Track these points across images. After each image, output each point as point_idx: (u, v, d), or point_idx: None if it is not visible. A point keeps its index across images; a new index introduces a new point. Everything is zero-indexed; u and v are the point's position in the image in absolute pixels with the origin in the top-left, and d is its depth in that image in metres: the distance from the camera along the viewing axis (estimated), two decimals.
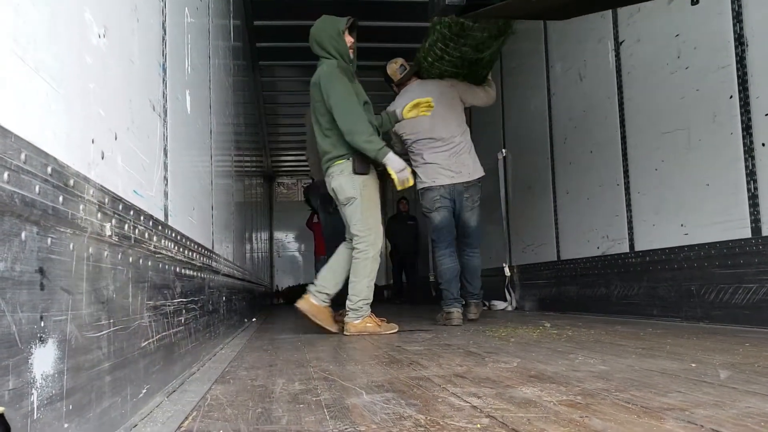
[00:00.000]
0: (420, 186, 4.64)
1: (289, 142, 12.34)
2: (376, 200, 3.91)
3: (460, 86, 4.79)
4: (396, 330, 3.82)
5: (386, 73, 4.90)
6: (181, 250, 2.05)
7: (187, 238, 2.20)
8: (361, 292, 3.79)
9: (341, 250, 4.02)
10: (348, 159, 3.81)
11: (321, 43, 3.97)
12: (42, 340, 0.93)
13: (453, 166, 4.57)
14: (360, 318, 3.77)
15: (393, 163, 3.72)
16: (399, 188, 3.78)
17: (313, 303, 3.87)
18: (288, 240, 15.28)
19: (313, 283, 4.00)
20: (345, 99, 3.76)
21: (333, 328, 3.85)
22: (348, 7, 6.37)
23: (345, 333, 3.75)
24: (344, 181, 3.82)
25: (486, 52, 4.59)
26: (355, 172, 3.80)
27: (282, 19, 6.71)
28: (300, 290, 14.12)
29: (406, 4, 6.40)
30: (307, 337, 3.65)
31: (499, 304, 6.66)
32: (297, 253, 15.23)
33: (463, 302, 4.56)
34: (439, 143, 4.59)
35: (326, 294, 3.89)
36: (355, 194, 3.81)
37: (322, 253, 7.26)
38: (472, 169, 4.64)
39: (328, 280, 3.94)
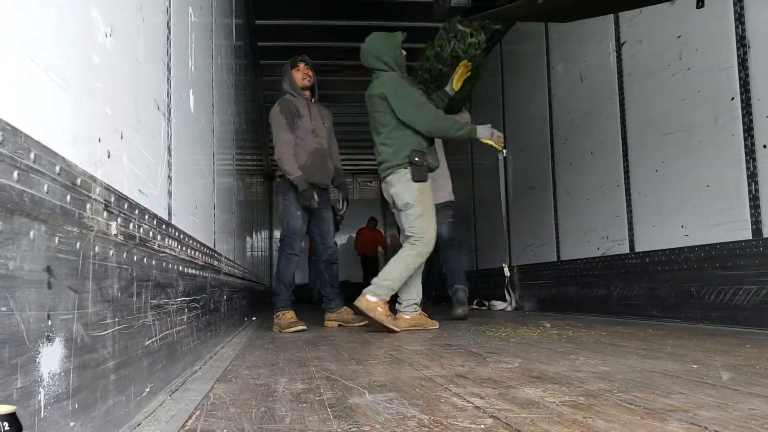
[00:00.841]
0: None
1: None
2: (431, 206, 4.11)
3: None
4: (398, 331, 3.82)
5: None
6: (184, 249, 2.05)
7: (190, 237, 2.21)
8: (392, 274, 3.94)
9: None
10: (406, 168, 4.02)
11: (380, 57, 4.17)
12: (49, 339, 0.94)
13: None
14: (377, 298, 3.85)
15: (484, 133, 4.12)
16: (499, 148, 4.22)
17: (370, 300, 3.97)
18: None
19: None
20: (421, 103, 4.05)
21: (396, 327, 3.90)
22: (349, 8, 6.40)
23: (355, 303, 3.92)
24: (402, 189, 4.03)
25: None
26: (414, 180, 4.02)
27: (283, 18, 6.71)
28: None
29: (410, 4, 6.39)
30: (307, 336, 3.66)
31: (499, 305, 6.67)
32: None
33: None
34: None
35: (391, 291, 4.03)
36: (412, 201, 4.01)
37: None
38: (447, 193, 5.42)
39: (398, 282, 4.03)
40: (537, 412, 1.36)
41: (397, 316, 4.10)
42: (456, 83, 4.38)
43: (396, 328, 3.83)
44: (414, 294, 4.15)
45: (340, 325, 4.46)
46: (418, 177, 4.02)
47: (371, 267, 12.40)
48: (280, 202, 4.55)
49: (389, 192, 4.16)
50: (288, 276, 4.45)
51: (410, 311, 4.11)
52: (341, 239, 13.63)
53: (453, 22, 4.30)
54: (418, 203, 4.00)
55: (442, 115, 4.12)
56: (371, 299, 3.86)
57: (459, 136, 4.12)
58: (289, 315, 4.26)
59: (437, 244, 4.75)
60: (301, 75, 4.59)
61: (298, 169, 4.33)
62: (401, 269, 3.97)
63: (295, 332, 4.06)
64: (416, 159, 4.00)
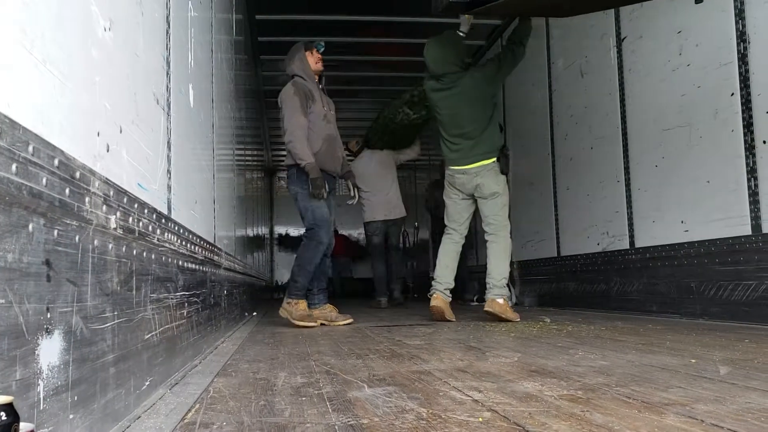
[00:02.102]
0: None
1: None
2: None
3: (393, 154, 7.29)
4: (518, 319, 4.08)
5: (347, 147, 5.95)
6: (183, 243, 2.06)
7: (190, 232, 2.21)
8: (505, 271, 4.26)
9: (449, 246, 4.53)
10: (497, 158, 4.33)
11: (460, 55, 4.44)
12: (48, 332, 0.94)
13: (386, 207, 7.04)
14: (502, 297, 4.13)
15: None
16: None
17: (445, 300, 4.33)
18: (289, 234, 15.27)
19: (433, 282, 4.42)
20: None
21: (453, 317, 4.31)
22: (350, 3, 6.39)
23: (487, 309, 4.12)
24: (492, 179, 4.30)
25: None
26: (502, 172, 4.35)
27: (284, 13, 6.71)
28: None
29: (410, 0, 6.38)
30: (308, 332, 3.67)
31: None
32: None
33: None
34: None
35: (450, 288, 4.41)
36: (500, 190, 4.32)
37: (340, 251, 8.15)
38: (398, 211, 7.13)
39: (448, 276, 4.43)
40: (535, 405, 1.36)
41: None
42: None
43: (517, 318, 4.11)
44: (452, 280, 4.49)
45: (322, 324, 4.14)
46: (506, 169, 4.40)
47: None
48: (297, 191, 4.21)
49: (476, 182, 4.34)
50: (313, 265, 4.15)
51: (448, 296, 4.41)
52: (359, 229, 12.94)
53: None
54: (505, 193, 4.36)
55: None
56: (501, 302, 4.11)
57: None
58: (303, 306, 4.08)
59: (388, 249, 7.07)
60: (315, 59, 4.39)
61: (311, 155, 4.12)
62: (507, 261, 4.31)
63: (305, 327, 3.94)
64: (507, 152, 4.38)
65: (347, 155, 5.35)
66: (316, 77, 4.42)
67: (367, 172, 6.99)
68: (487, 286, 4.19)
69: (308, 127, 4.19)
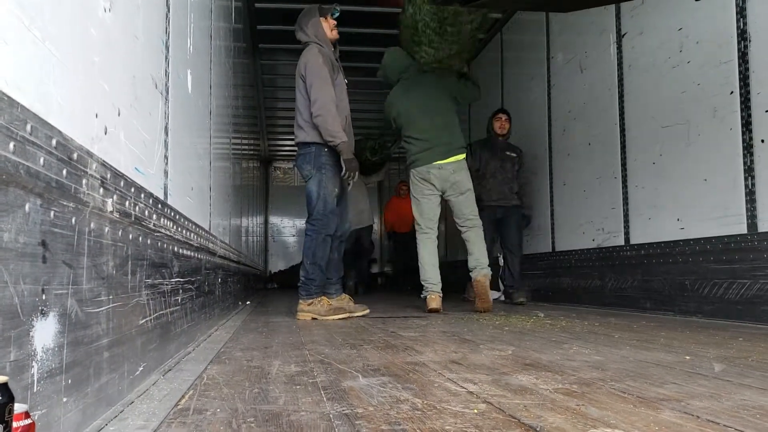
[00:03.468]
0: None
1: (287, 126, 12.26)
2: None
3: (362, 177, 7.30)
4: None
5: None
6: (179, 229, 2.05)
7: (186, 218, 2.20)
8: (486, 256, 4.58)
9: (431, 246, 4.59)
10: (464, 154, 4.56)
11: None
12: (43, 313, 0.93)
13: None
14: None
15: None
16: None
17: (440, 300, 4.40)
18: (283, 225, 15.25)
19: (426, 284, 4.47)
20: None
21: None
22: None
23: (479, 279, 4.38)
24: (465, 176, 4.52)
25: None
26: (469, 166, 4.61)
27: (283, 2, 6.67)
28: (290, 273, 13.84)
29: None
30: (302, 321, 3.66)
31: (493, 294, 6.66)
32: (292, 238, 15.21)
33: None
34: None
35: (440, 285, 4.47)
36: (471, 186, 4.58)
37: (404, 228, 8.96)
38: (366, 219, 8.07)
39: (437, 275, 4.50)
40: (530, 398, 1.36)
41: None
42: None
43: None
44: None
45: (313, 318, 3.88)
46: (471, 163, 4.64)
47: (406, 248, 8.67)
48: (312, 174, 3.87)
49: (452, 179, 4.46)
50: (325, 259, 3.92)
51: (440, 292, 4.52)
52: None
53: None
54: (473, 189, 4.60)
55: None
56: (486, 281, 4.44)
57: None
58: (326, 301, 3.87)
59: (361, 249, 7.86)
60: (330, 26, 4.02)
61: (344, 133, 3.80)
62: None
63: (341, 320, 3.81)
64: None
65: None
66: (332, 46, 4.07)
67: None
68: (479, 266, 4.47)
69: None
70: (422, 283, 4.51)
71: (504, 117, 5.93)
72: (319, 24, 3.97)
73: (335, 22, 4.04)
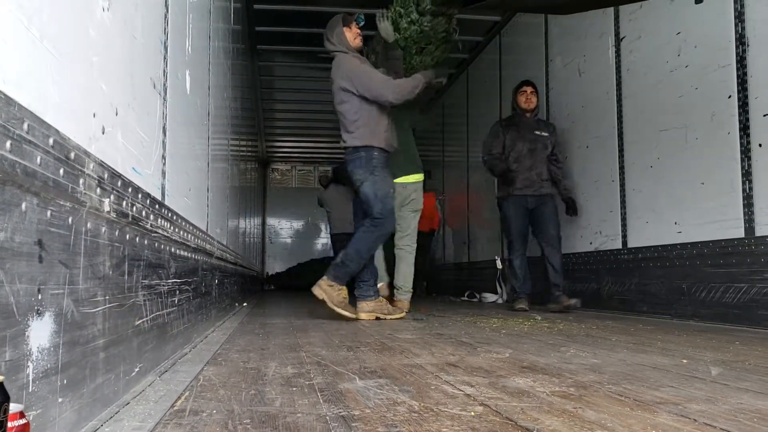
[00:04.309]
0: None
1: (285, 128, 12.29)
2: None
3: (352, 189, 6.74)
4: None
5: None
6: (176, 230, 2.04)
7: (183, 219, 2.19)
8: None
9: (379, 251, 4.68)
10: (422, 175, 4.75)
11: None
12: (39, 313, 0.93)
13: None
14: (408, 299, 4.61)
15: None
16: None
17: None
18: (281, 226, 15.24)
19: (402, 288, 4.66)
20: None
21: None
22: None
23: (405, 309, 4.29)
24: (420, 195, 4.68)
25: None
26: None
27: (282, 3, 6.67)
28: (288, 275, 13.80)
29: None
30: (298, 323, 3.65)
31: (490, 297, 6.68)
32: (289, 240, 15.20)
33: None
34: None
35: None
36: (422, 207, 4.76)
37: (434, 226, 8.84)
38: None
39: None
40: (527, 401, 1.36)
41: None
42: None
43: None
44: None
45: (377, 318, 3.89)
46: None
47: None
48: (366, 178, 3.90)
49: (410, 195, 4.60)
50: (370, 254, 3.97)
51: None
52: None
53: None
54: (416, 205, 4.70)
55: None
56: (406, 302, 4.56)
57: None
58: (345, 293, 3.86)
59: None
60: (354, 34, 4.07)
61: (383, 141, 3.90)
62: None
63: (398, 319, 3.85)
64: None
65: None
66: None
67: (334, 198, 8.43)
68: (399, 289, 4.59)
69: (378, 105, 3.94)
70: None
71: (529, 89, 5.14)
72: (343, 34, 4.03)
73: (359, 30, 4.09)
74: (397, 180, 4.51)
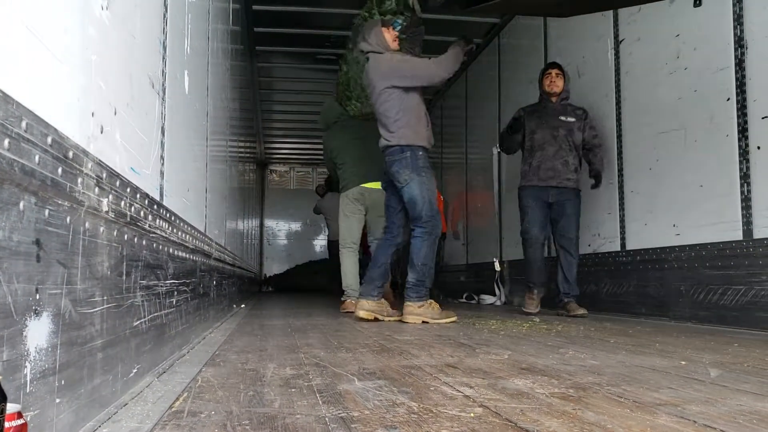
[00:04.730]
0: None
1: (284, 129, 12.28)
2: None
3: None
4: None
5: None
6: (174, 231, 2.03)
7: (181, 220, 2.19)
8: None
9: (354, 258, 5.35)
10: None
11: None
12: (37, 313, 0.92)
13: None
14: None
15: None
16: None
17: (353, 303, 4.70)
18: (279, 228, 15.23)
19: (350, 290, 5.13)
20: None
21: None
22: None
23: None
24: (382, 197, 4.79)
25: None
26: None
27: (281, 4, 6.67)
28: (285, 277, 13.78)
29: None
30: (297, 324, 3.65)
31: (489, 299, 6.68)
32: (287, 241, 15.18)
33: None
34: None
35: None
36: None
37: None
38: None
39: (357, 283, 5.02)
40: (527, 402, 1.36)
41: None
42: None
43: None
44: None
45: (424, 322, 3.79)
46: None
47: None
48: (413, 178, 3.85)
49: (377, 200, 4.87)
50: (434, 260, 3.99)
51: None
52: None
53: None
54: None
55: None
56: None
57: None
58: (436, 304, 3.88)
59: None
60: (392, 36, 4.06)
61: (425, 139, 3.92)
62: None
63: (450, 323, 3.77)
64: None
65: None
66: None
67: (333, 206, 8.59)
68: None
69: (417, 104, 3.98)
70: (344, 288, 5.23)
71: (554, 72, 4.74)
72: (382, 34, 4.03)
73: (397, 34, 4.10)
74: (370, 185, 5.09)
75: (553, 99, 4.70)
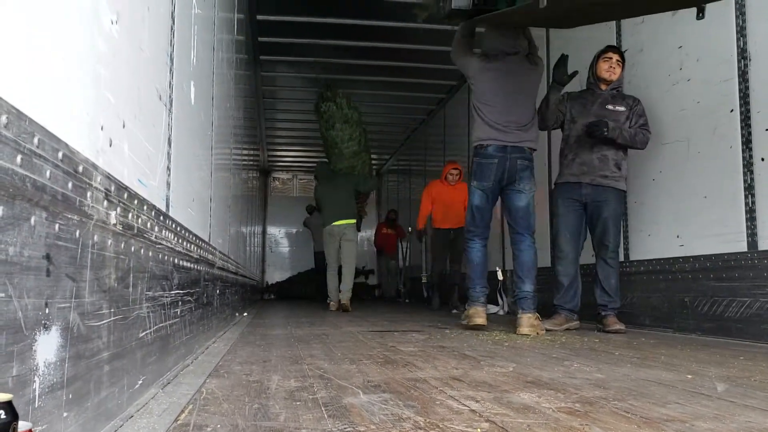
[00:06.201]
0: None
1: (286, 137, 12.31)
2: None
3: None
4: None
5: None
6: (180, 241, 2.04)
7: (187, 230, 2.19)
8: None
9: (336, 276, 7.41)
10: (354, 219, 7.62)
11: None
12: (46, 327, 0.92)
13: None
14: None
15: None
16: None
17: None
18: (281, 236, 15.24)
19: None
20: None
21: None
22: (351, 6, 6.39)
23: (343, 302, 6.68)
24: (353, 231, 7.46)
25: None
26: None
27: (285, 14, 6.70)
28: (287, 285, 13.80)
29: (411, 5, 6.38)
30: (299, 334, 3.64)
31: (491, 308, 6.65)
32: (289, 249, 15.18)
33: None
34: None
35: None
36: (356, 239, 7.65)
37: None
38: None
39: (336, 292, 7.33)
40: (533, 417, 1.35)
41: None
42: None
43: None
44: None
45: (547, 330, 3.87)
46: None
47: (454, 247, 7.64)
48: (533, 187, 4.05)
49: (344, 232, 7.31)
50: None
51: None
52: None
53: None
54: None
55: None
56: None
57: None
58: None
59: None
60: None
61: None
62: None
63: (475, 326, 3.92)
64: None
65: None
66: None
67: (318, 224, 9.55)
68: (345, 290, 7.05)
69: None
70: (329, 294, 7.38)
71: (616, 57, 4.09)
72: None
73: None
74: (340, 222, 7.18)
75: (603, 86, 4.11)
